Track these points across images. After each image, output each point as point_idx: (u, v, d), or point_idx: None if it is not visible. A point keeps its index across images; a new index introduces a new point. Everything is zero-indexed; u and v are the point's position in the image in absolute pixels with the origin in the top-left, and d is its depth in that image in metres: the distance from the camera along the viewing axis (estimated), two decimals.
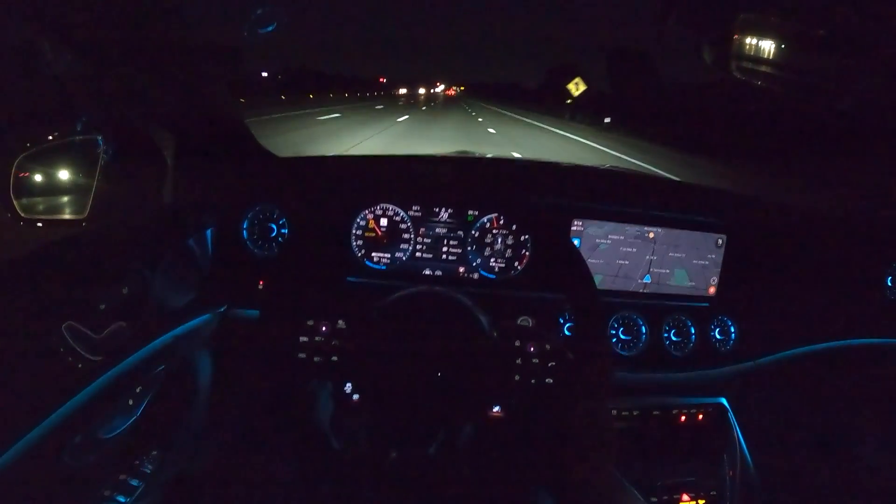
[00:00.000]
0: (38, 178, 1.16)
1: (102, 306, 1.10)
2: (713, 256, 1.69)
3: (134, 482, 1.29)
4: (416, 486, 1.17)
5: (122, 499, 1.25)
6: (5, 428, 0.87)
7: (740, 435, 1.67)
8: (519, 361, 1.10)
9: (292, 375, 1.32)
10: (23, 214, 1.11)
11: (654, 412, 1.62)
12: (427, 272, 1.64)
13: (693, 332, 1.66)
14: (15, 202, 1.09)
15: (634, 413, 1.61)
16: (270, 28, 1.51)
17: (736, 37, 1.12)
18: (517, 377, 1.10)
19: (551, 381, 1.10)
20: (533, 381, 1.10)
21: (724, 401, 1.68)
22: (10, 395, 0.90)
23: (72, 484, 1.13)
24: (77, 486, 1.15)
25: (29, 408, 0.92)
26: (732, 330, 1.68)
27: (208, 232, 1.53)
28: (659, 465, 1.62)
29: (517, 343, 1.12)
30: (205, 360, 1.53)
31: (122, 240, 1.25)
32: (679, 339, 1.65)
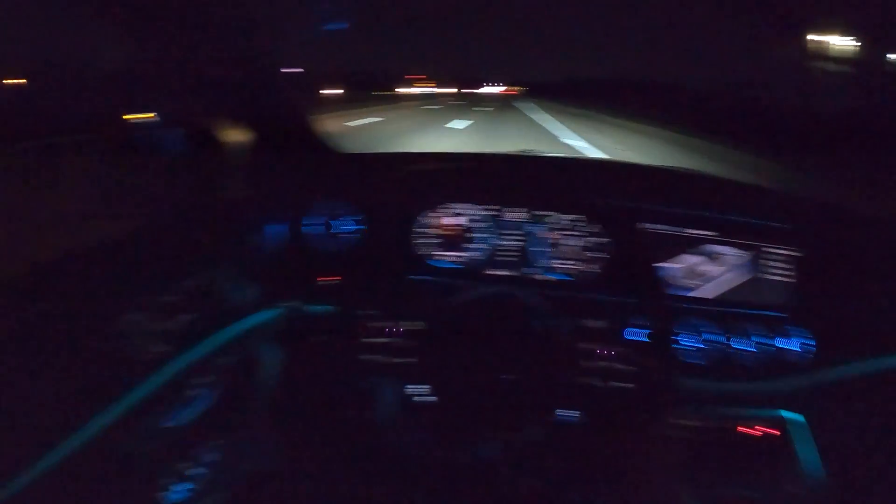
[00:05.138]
0: (107, 171, 1.19)
1: (170, 299, 1.12)
2: (788, 263, 1.59)
3: (196, 471, 1.31)
4: (476, 489, 1.15)
5: (181, 487, 1.28)
6: (72, 415, 0.89)
7: (810, 451, 1.57)
8: (587, 364, 1.10)
9: (358, 374, 1.32)
10: (90, 207, 1.13)
11: (721, 423, 1.56)
12: (494, 272, 1.59)
13: (764, 341, 1.56)
14: (83, 196, 1.11)
15: (699, 423, 1.54)
16: (342, 26, 1.51)
17: (812, 33, 1.07)
18: (584, 380, 1.10)
19: (619, 385, 1.09)
20: (600, 384, 1.09)
21: (793, 415, 1.59)
22: (77, 383, 0.93)
23: (133, 471, 1.15)
24: (138, 474, 1.18)
25: (95, 396, 0.94)
26: (806, 341, 1.57)
27: (274, 227, 1.55)
28: (722, 478, 1.54)
29: (586, 346, 1.10)
30: (269, 354, 1.54)
31: (189, 233, 1.28)
32: (748, 349, 1.56)
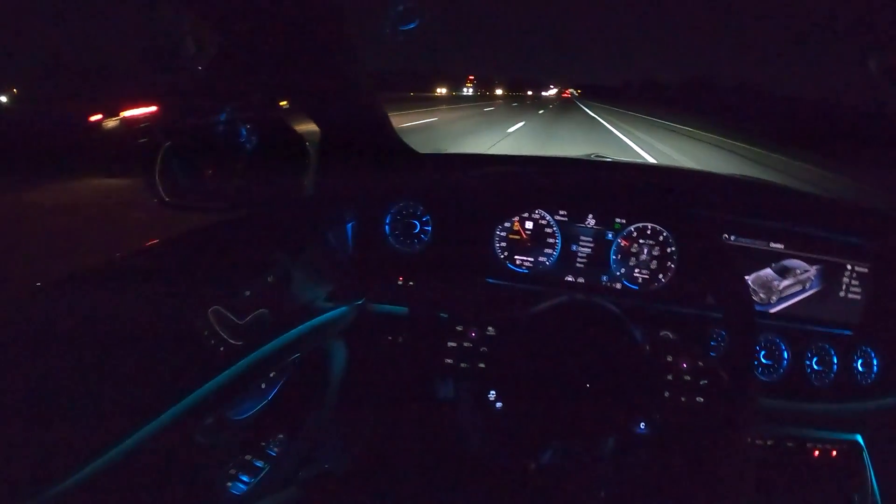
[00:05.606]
0: (184, 166, 1.21)
1: (247, 293, 1.13)
2: (861, 281, 1.56)
3: (259, 463, 1.33)
4: (547, 499, 1.14)
5: (246, 478, 1.30)
6: (145, 405, 0.91)
7: (874, 477, 1.53)
8: (670, 377, 1.07)
9: (427, 376, 1.32)
10: (169, 201, 1.16)
11: (788, 443, 1.53)
12: (569, 279, 1.58)
13: (835, 361, 1.52)
14: (161, 189, 1.13)
15: (768, 443, 1.52)
16: (412, 25, 1.50)
17: None
18: (667, 393, 1.07)
19: (702, 400, 1.06)
20: (683, 398, 1.06)
21: (859, 438, 1.54)
22: (153, 373, 0.94)
23: (201, 462, 1.18)
24: (205, 464, 1.20)
25: (169, 387, 0.95)
26: (875, 362, 1.53)
27: (349, 225, 1.56)
28: (788, 499, 1.51)
29: (669, 358, 1.08)
30: (340, 352, 1.55)
31: (266, 230, 1.29)
32: (821, 368, 1.52)
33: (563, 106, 39.64)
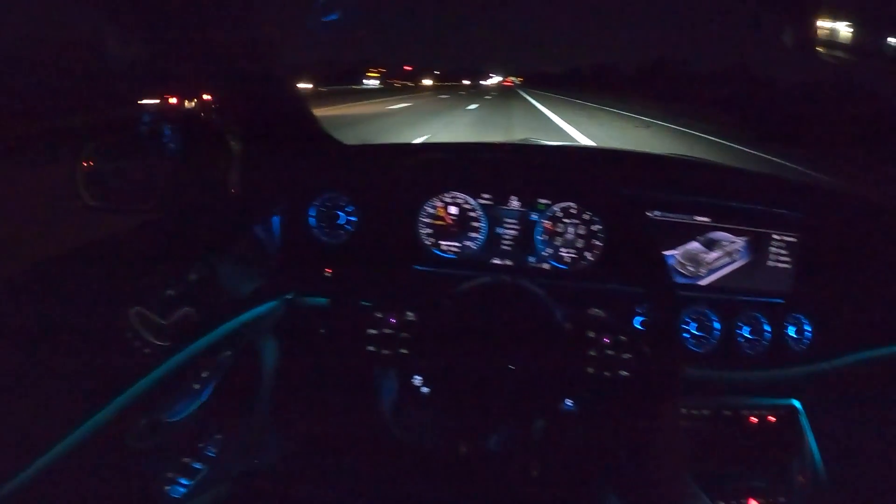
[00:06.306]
0: (105, 167, 1.18)
1: (170, 292, 1.12)
2: (790, 250, 1.60)
3: (197, 465, 1.32)
4: (481, 481, 1.15)
5: (184, 481, 1.28)
6: (72, 410, 0.89)
7: (812, 440, 1.59)
8: (593, 353, 1.08)
9: (359, 366, 1.31)
10: (91, 203, 1.13)
11: (725, 412, 1.56)
12: (496, 261, 1.60)
13: (767, 329, 1.57)
14: (83, 191, 1.11)
15: (704, 412, 1.55)
16: (335, 17, 1.50)
17: (817, 19, 1.07)
18: (590, 369, 1.08)
19: (626, 374, 1.07)
20: (607, 373, 1.07)
21: (796, 403, 1.60)
22: (77, 378, 0.92)
23: (136, 466, 1.15)
24: (141, 468, 1.18)
25: (96, 391, 0.93)
26: (807, 328, 1.58)
27: (275, 219, 1.54)
28: (728, 467, 1.56)
29: (591, 334, 1.09)
30: (271, 347, 1.54)
31: (189, 227, 1.27)
32: (753, 337, 1.57)
33: (504, 95, 38.81)
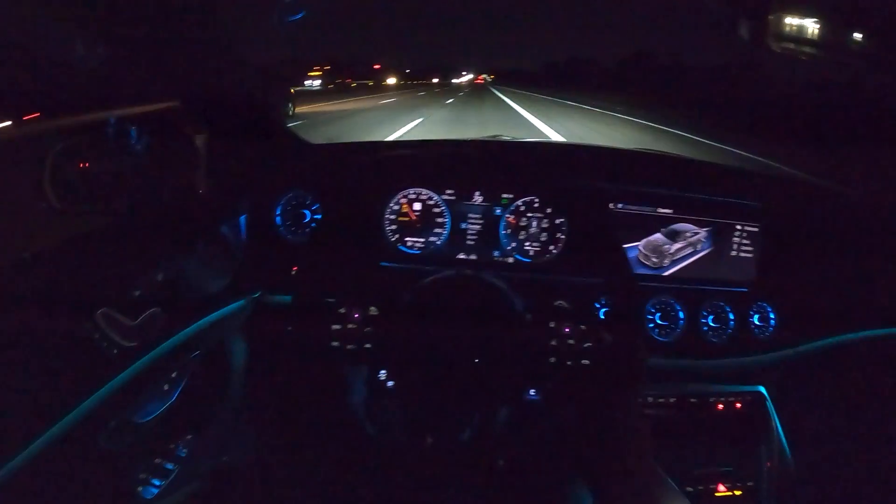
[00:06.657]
0: (72, 169, 1.18)
1: (137, 293, 1.12)
2: (752, 240, 1.63)
3: (169, 465, 1.31)
4: (450, 472, 1.17)
5: (157, 482, 1.28)
6: (42, 413, 0.89)
7: (779, 425, 1.62)
8: (554, 343, 1.09)
9: (326, 362, 1.32)
10: (58, 206, 1.12)
11: (691, 400, 1.58)
12: (461, 256, 1.62)
13: (731, 318, 1.60)
14: (50, 194, 1.10)
15: (671, 400, 1.57)
16: (299, 16, 1.50)
17: (773, 13, 1.09)
18: (552, 359, 1.09)
19: (587, 362, 1.09)
20: (569, 362, 1.09)
21: (762, 389, 1.63)
22: (46, 380, 0.92)
23: (107, 467, 1.15)
24: (113, 469, 1.18)
25: (65, 393, 0.93)
26: (772, 316, 1.61)
27: (242, 218, 1.54)
28: (695, 454, 1.59)
29: (552, 324, 1.11)
30: (239, 346, 1.54)
31: (156, 227, 1.27)
32: (717, 326, 1.59)
33: (475, 94, 38.20)
